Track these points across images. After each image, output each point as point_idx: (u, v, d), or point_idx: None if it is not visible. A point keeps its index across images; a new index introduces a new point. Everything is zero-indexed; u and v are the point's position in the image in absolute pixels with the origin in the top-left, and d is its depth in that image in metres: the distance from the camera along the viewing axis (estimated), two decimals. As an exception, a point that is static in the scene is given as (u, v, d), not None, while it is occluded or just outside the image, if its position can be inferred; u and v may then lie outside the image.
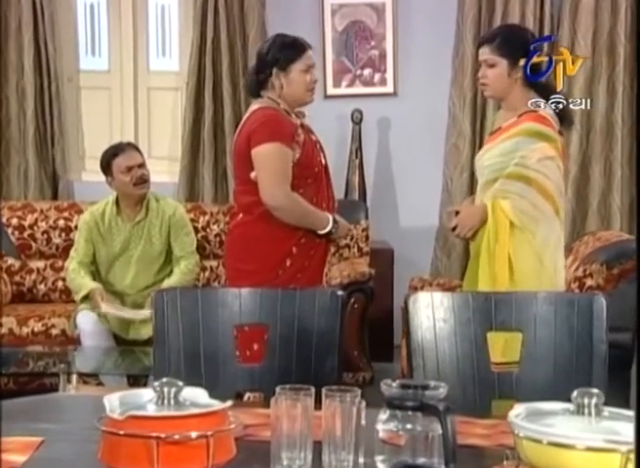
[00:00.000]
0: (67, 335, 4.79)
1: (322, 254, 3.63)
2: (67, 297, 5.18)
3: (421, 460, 1.57)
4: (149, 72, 6.21)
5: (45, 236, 5.40)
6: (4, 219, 5.36)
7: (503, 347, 2.62)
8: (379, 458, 1.60)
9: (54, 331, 4.86)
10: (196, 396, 1.70)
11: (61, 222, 5.40)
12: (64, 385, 3.97)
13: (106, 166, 4.65)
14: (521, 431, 1.55)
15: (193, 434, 1.55)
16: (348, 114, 5.85)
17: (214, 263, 5.40)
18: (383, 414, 1.59)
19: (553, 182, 3.32)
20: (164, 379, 1.65)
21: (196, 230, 5.28)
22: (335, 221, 3.56)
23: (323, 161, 3.63)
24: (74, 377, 4.02)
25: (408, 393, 1.57)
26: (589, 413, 1.59)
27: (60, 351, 4.40)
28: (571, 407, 1.62)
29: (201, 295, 2.44)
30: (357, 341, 4.89)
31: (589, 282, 4.21)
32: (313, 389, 1.68)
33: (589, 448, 1.47)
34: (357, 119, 5.84)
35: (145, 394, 1.68)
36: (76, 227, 4.95)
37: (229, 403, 1.64)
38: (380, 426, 1.59)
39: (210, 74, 5.80)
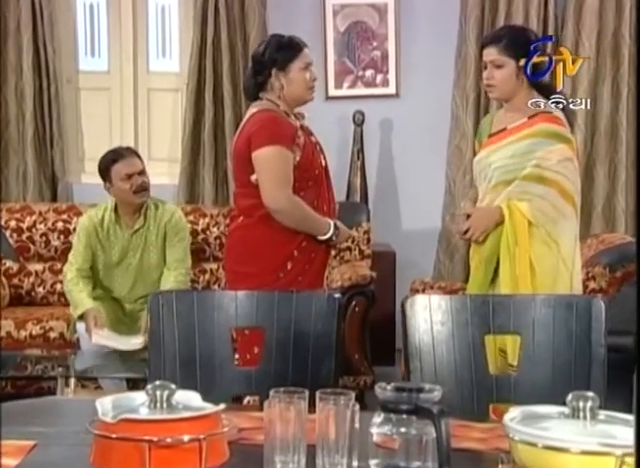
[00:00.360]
0: (66, 339, 4.78)
1: (323, 258, 3.62)
2: (66, 301, 5.12)
3: (416, 464, 1.55)
4: (149, 73, 6.19)
5: (44, 238, 5.37)
6: (2, 222, 5.32)
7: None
8: (372, 462, 1.59)
9: (52, 335, 4.84)
10: (189, 399, 1.69)
11: (60, 225, 5.36)
12: (62, 389, 3.95)
13: (105, 171, 4.52)
14: (516, 434, 1.55)
15: (186, 437, 1.55)
16: (350, 115, 5.82)
17: (214, 266, 5.38)
18: (378, 418, 1.58)
19: (573, 183, 3.32)
20: (157, 382, 1.64)
21: (196, 233, 5.27)
22: (336, 227, 3.55)
23: (323, 163, 3.62)
24: (72, 381, 3.98)
25: (402, 396, 1.56)
26: (584, 417, 1.59)
27: (59, 354, 4.38)
28: (566, 410, 1.61)
29: (197, 298, 2.42)
30: (358, 345, 4.87)
31: (592, 285, 4.21)
32: (307, 392, 1.66)
33: (584, 452, 1.47)
34: (359, 120, 5.82)
35: (138, 397, 1.68)
36: (75, 230, 4.88)
37: (222, 406, 1.64)
38: (374, 429, 1.58)
39: (210, 75, 5.77)
